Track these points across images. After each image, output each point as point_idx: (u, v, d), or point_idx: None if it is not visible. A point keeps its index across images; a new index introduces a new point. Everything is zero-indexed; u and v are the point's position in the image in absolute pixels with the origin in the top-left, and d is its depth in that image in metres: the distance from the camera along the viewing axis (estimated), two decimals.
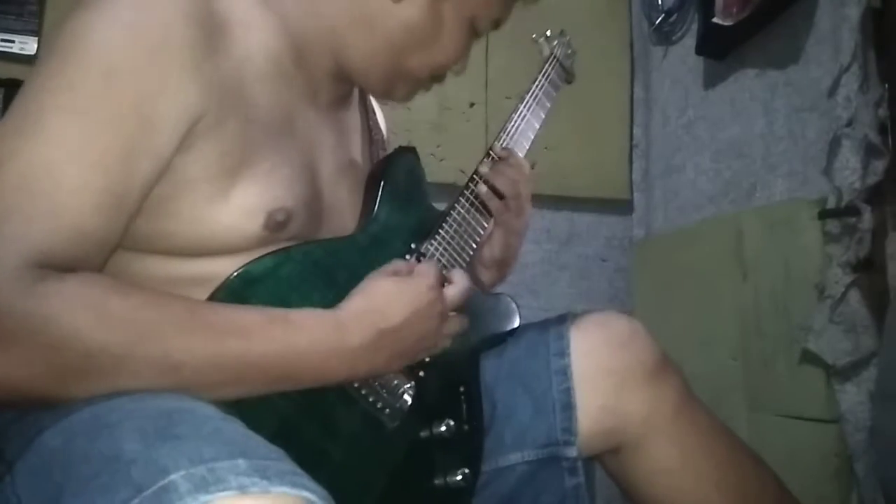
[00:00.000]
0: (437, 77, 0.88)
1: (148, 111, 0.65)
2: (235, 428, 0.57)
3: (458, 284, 0.83)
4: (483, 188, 0.94)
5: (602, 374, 0.93)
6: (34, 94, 0.65)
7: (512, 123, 1.01)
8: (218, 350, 0.63)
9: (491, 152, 0.97)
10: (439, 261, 0.87)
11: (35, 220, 0.60)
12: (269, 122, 0.75)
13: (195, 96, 0.67)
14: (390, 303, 0.75)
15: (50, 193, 0.61)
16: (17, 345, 0.57)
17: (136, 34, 0.66)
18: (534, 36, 1.13)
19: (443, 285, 0.81)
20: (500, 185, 0.94)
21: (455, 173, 1.80)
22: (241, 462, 0.49)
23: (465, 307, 0.84)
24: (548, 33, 1.13)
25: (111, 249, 0.66)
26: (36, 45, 1.78)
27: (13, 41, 1.77)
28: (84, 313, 0.58)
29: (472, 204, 0.93)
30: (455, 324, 0.83)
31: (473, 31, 0.85)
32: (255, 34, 0.76)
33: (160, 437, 0.52)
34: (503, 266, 1.00)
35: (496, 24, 0.87)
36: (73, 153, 0.63)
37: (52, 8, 1.80)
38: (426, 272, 0.79)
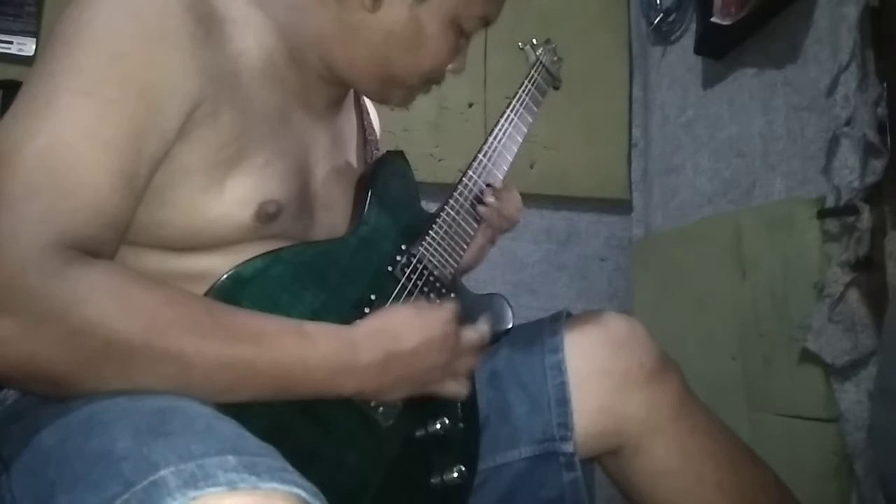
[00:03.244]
0: (432, 80, 0.88)
1: (153, 94, 0.67)
2: (227, 425, 0.57)
3: (480, 329, 0.83)
4: (484, 209, 0.95)
5: (600, 374, 0.93)
6: (42, 79, 0.66)
7: (500, 128, 1.03)
8: (229, 354, 0.63)
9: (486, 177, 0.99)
10: (430, 261, 0.87)
11: (59, 200, 0.61)
12: (263, 117, 0.76)
13: (194, 82, 0.69)
14: (404, 328, 0.75)
15: (71, 172, 0.62)
16: (45, 325, 0.57)
17: (138, 21, 0.68)
18: (519, 44, 1.15)
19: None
20: (507, 212, 0.99)
21: (454, 173, 1.79)
22: (230, 458, 0.50)
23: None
24: (534, 41, 1.15)
25: (123, 233, 0.67)
26: (34, 47, 1.78)
27: (11, 42, 1.78)
28: (109, 301, 0.59)
29: (461, 206, 0.94)
30: (467, 363, 0.82)
31: (461, 32, 0.84)
32: (250, 33, 0.77)
33: (152, 434, 0.52)
34: (468, 270, 1.02)
35: (485, 22, 0.85)
36: (87, 133, 0.64)
37: (50, 9, 1.81)
38: (446, 308, 0.80)
